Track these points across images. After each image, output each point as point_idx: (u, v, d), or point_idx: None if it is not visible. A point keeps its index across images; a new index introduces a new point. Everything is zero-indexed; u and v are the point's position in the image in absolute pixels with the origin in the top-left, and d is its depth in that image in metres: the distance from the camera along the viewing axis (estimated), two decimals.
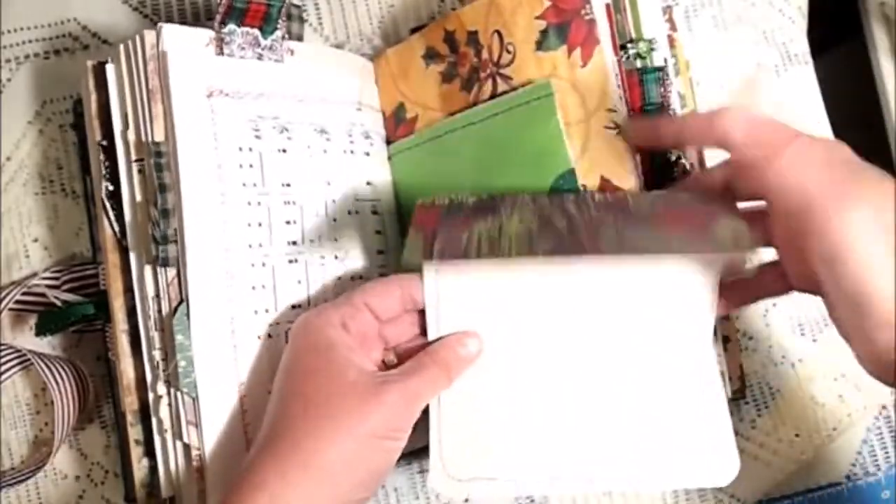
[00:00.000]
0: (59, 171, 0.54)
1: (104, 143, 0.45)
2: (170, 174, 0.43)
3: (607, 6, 0.43)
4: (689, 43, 0.53)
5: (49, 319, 0.51)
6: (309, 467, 0.37)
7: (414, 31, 0.53)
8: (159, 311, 0.43)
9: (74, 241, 0.54)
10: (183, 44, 0.44)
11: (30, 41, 0.55)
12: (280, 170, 0.46)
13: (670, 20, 0.45)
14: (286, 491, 0.37)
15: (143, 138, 0.43)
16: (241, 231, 0.44)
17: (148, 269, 0.43)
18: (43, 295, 0.51)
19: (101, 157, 0.45)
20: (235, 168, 0.44)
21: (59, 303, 0.51)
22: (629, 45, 0.43)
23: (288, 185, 0.46)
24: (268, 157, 0.46)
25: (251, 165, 0.45)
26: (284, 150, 0.46)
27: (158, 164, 0.43)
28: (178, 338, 0.42)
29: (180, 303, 0.42)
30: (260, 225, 0.45)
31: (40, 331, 0.51)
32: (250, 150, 0.45)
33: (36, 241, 0.54)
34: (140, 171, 0.44)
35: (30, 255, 0.54)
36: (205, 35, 0.45)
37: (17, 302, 0.51)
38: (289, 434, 0.38)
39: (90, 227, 0.52)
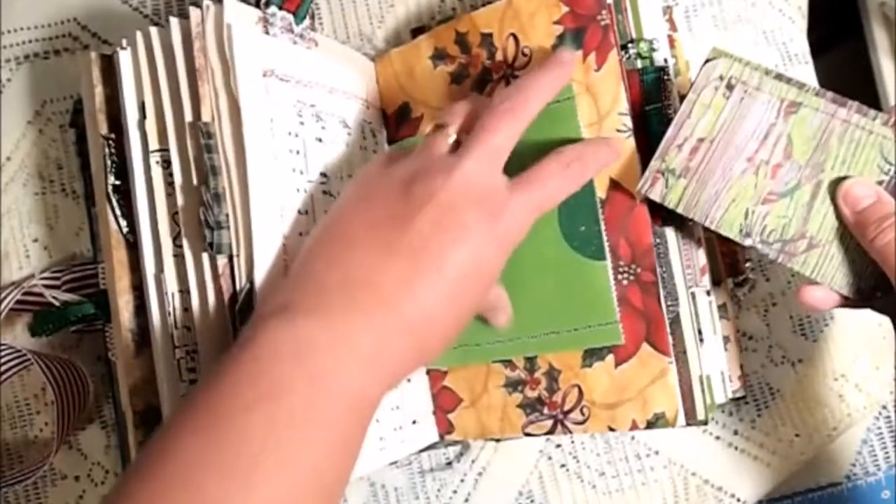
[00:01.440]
0: (59, 171, 0.54)
1: (111, 136, 0.45)
2: (219, 157, 0.41)
3: (609, 6, 0.43)
4: (689, 43, 0.53)
5: (45, 320, 0.51)
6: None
7: (414, 31, 0.53)
8: (185, 308, 0.42)
9: (74, 241, 0.54)
10: (241, 19, 0.43)
11: (30, 41, 0.55)
12: (319, 159, 0.45)
13: (670, 20, 0.45)
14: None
15: (190, 119, 0.42)
16: (294, 218, 0.43)
17: (170, 264, 0.42)
18: (42, 295, 0.51)
19: (107, 151, 0.45)
20: (286, 153, 0.43)
21: (57, 303, 0.51)
22: (630, 46, 0.43)
23: (325, 174, 0.45)
24: (310, 145, 0.45)
25: (298, 152, 0.44)
26: (321, 140, 0.46)
27: (209, 145, 0.41)
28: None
29: (234, 293, 0.40)
30: (307, 213, 0.44)
31: (36, 331, 0.51)
32: (296, 135, 0.44)
33: (36, 241, 0.54)
34: (159, 162, 0.43)
35: (30, 255, 0.54)
36: (254, 13, 0.44)
37: (18, 302, 0.51)
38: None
39: (90, 226, 0.52)
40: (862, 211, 0.39)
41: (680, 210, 0.42)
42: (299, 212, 0.43)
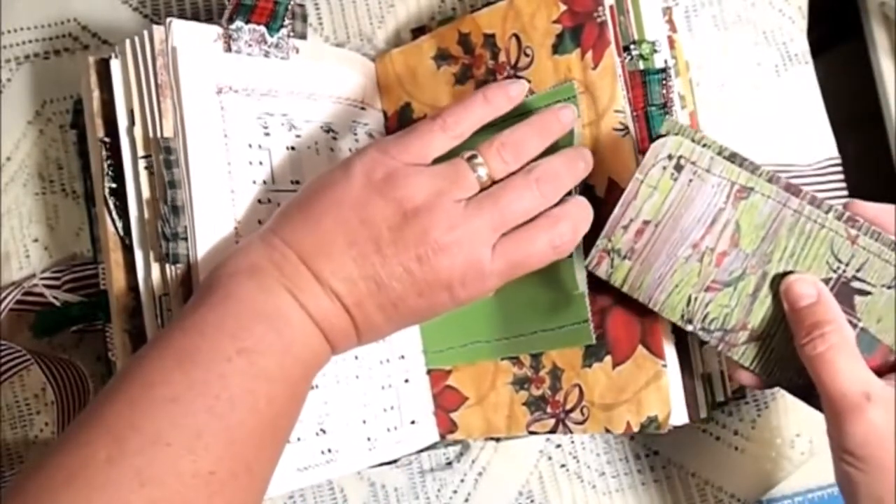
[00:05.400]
0: (59, 171, 0.54)
1: (107, 139, 0.45)
2: (179, 170, 0.42)
3: (611, 8, 0.43)
4: (689, 43, 0.53)
5: (47, 319, 0.51)
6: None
7: (415, 31, 0.53)
8: (169, 309, 0.43)
9: (74, 241, 0.54)
10: (192, 39, 0.44)
11: (30, 41, 0.55)
12: (289, 167, 0.46)
13: (670, 21, 0.45)
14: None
15: (152, 134, 0.43)
16: (252, 229, 0.44)
17: (155, 267, 0.43)
18: (42, 295, 0.51)
19: (104, 154, 0.45)
20: (245, 165, 0.44)
21: (58, 303, 0.51)
22: (632, 47, 0.43)
23: (297, 182, 0.46)
24: (277, 154, 0.46)
25: (261, 162, 0.45)
26: (293, 148, 0.46)
27: (168, 160, 0.42)
28: None
29: None
30: None
31: (38, 331, 0.51)
32: (260, 147, 0.45)
33: (36, 241, 0.54)
34: (147, 168, 0.44)
35: (30, 255, 0.54)
36: (213, 31, 0.45)
37: (18, 302, 0.51)
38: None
39: (90, 227, 0.52)
40: (800, 310, 0.37)
41: (625, 290, 0.41)
42: (260, 222, 0.44)
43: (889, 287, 0.37)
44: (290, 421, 0.38)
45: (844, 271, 0.37)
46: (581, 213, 0.41)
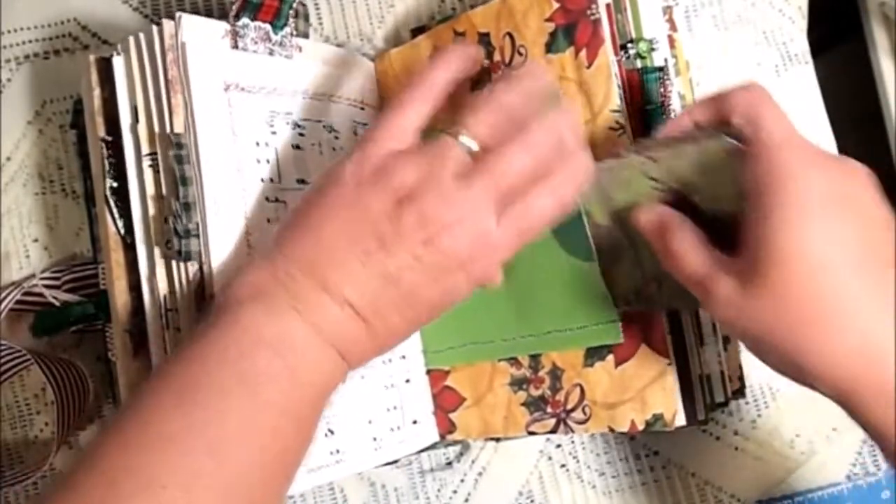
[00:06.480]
0: (59, 171, 0.54)
1: (109, 138, 0.45)
2: (190, 167, 0.42)
3: (608, 6, 0.43)
4: (689, 43, 0.53)
5: (47, 319, 0.51)
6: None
7: (414, 31, 0.53)
8: (175, 308, 0.42)
9: (74, 241, 0.54)
10: (201, 35, 0.43)
11: (30, 41, 0.55)
12: (295, 166, 0.46)
13: (670, 20, 0.45)
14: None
15: (161, 130, 0.43)
16: (262, 226, 0.43)
17: (160, 265, 0.43)
18: (42, 295, 0.51)
19: (105, 152, 0.45)
20: (254, 163, 0.44)
21: (57, 303, 0.51)
22: (629, 45, 0.43)
23: (303, 181, 0.46)
24: (283, 153, 0.45)
25: (268, 161, 0.45)
26: (298, 147, 0.46)
27: (179, 156, 0.42)
28: None
29: (202, 299, 0.41)
30: (279, 221, 0.44)
31: (38, 331, 0.51)
32: (266, 145, 0.45)
33: (36, 241, 0.54)
34: (151, 166, 0.43)
35: (30, 255, 0.54)
36: (220, 27, 0.44)
37: (18, 302, 0.51)
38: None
39: (90, 227, 0.52)
40: (650, 232, 0.38)
41: None
42: (269, 220, 0.44)
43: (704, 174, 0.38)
44: (298, 454, 0.37)
45: (670, 186, 0.39)
46: (577, 162, 0.39)
